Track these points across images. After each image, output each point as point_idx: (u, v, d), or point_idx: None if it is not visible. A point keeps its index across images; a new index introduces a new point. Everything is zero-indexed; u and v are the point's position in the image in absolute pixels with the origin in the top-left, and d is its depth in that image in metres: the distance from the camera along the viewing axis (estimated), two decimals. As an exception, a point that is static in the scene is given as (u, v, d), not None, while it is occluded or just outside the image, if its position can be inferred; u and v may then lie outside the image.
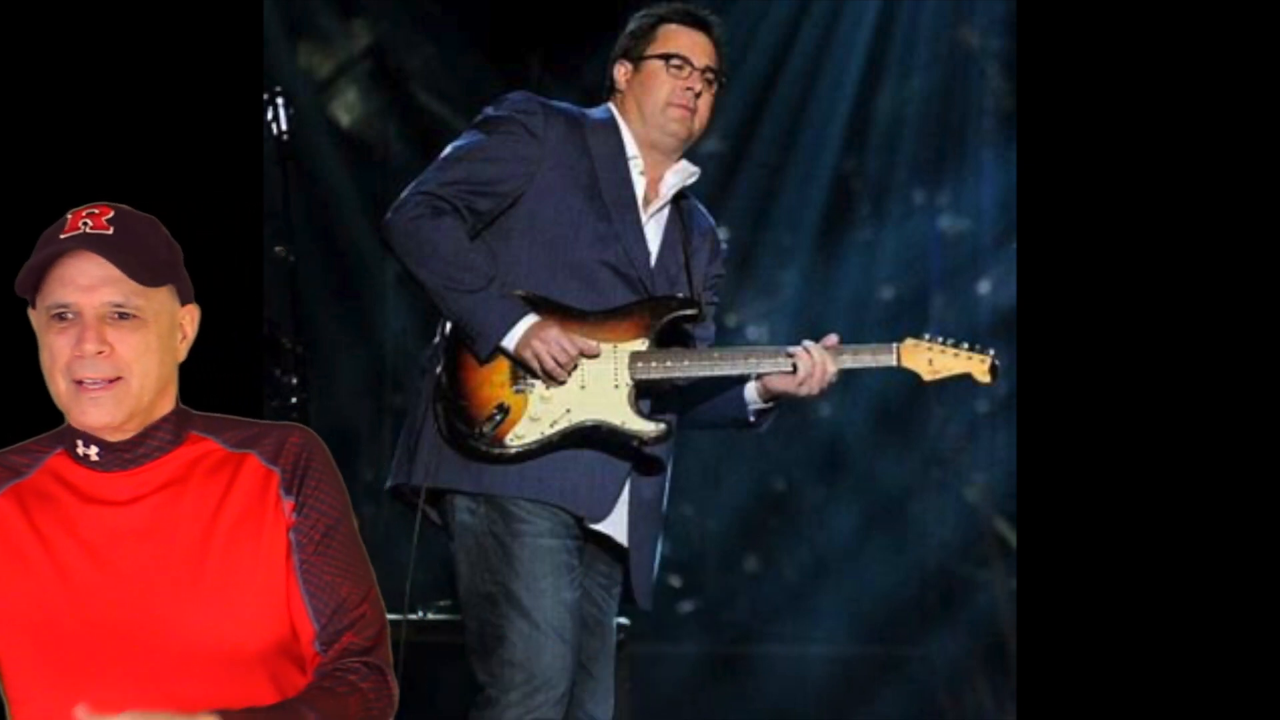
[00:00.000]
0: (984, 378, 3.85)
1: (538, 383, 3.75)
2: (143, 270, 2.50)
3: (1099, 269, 3.46)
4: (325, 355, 6.81)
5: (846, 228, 7.55)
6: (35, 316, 2.54)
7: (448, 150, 3.86)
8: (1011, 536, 7.10)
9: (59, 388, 2.49)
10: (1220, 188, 3.40)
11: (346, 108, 7.46)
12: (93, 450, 2.52)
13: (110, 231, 2.49)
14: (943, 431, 7.41)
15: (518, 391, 3.75)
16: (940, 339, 3.85)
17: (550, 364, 3.72)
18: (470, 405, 3.75)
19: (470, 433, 3.73)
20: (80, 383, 2.48)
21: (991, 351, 3.86)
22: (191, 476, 2.54)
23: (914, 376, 3.85)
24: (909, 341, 3.84)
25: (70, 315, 2.48)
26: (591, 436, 3.76)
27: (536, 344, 3.71)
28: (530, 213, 3.82)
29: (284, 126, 5.12)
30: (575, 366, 3.75)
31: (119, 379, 2.48)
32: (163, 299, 2.53)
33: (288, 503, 2.54)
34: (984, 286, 7.36)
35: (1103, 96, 3.48)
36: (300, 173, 5.63)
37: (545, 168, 3.82)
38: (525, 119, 3.84)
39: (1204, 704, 3.32)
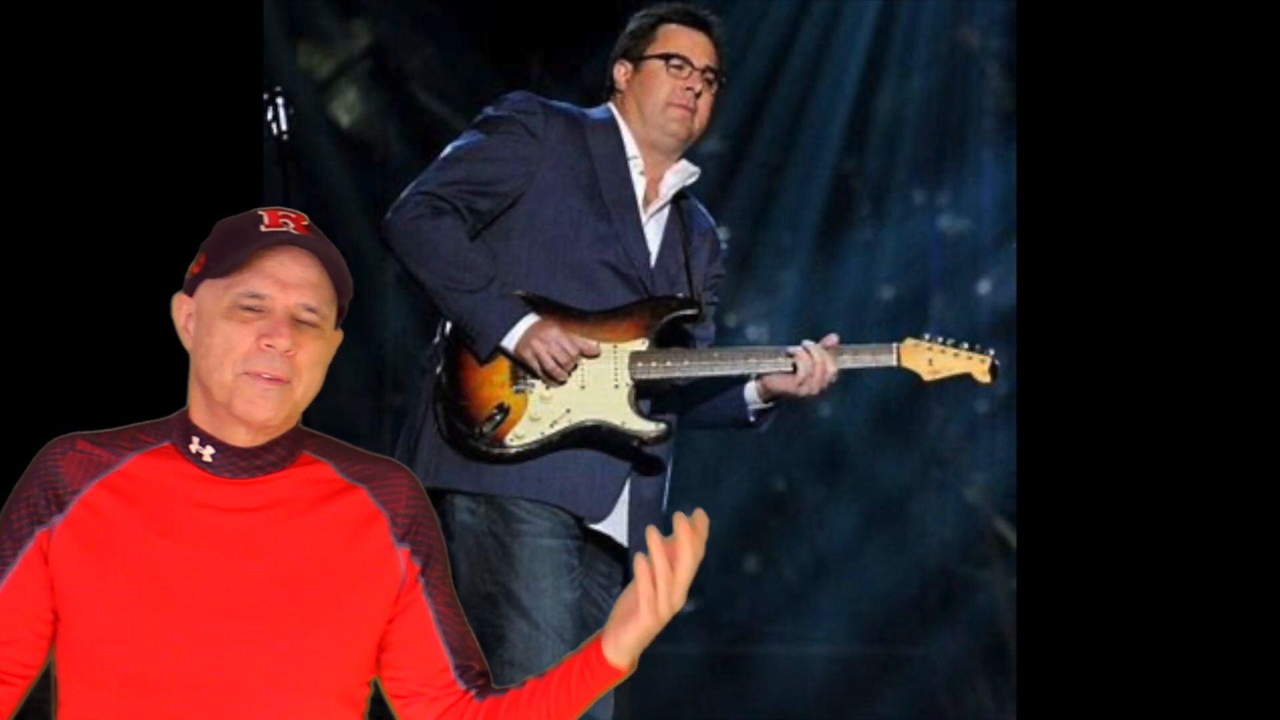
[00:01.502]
0: (984, 378, 3.85)
1: (538, 383, 3.75)
2: (337, 281, 2.50)
3: (1099, 269, 3.46)
4: (325, 355, 6.80)
5: (846, 228, 7.55)
6: (196, 302, 2.48)
7: (448, 150, 3.86)
8: (1011, 536, 7.10)
9: (224, 377, 2.43)
10: (1220, 187, 3.40)
11: (346, 108, 7.46)
12: (208, 451, 2.46)
13: (312, 236, 2.49)
14: (943, 431, 7.41)
15: (518, 391, 3.76)
16: (940, 339, 3.85)
17: (550, 364, 3.72)
18: (470, 405, 3.75)
19: (470, 433, 3.73)
20: (254, 374, 2.43)
21: (991, 351, 3.85)
22: (301, 499, 2.48)
23: (914, 376, 3.85)
24: (909, 341, 3.84)
25: (259, 308, 2.44)
26: (591, 436, 3.76)
27: (536, 344, 3.71)
28: (530, 213, 3.82)
29: (284, 126, 5.10)
30: (575, 366, 3.75)
31: (288, 381, 2.44)
32: (334, 316, 2.52)
33: (403, 550, 2.51)
34: (984, 286, 7.36)
35: (1103, 96, 3.49)
36: (300, 173, 5.61)
37: (545, 168, 3.82)
38: (525, 119, 3.84)
39: (1204, 704, 3.32)
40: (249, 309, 2.44)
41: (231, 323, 2.44)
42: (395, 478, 2.55)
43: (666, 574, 2.43)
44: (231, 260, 2.45)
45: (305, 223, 2.50)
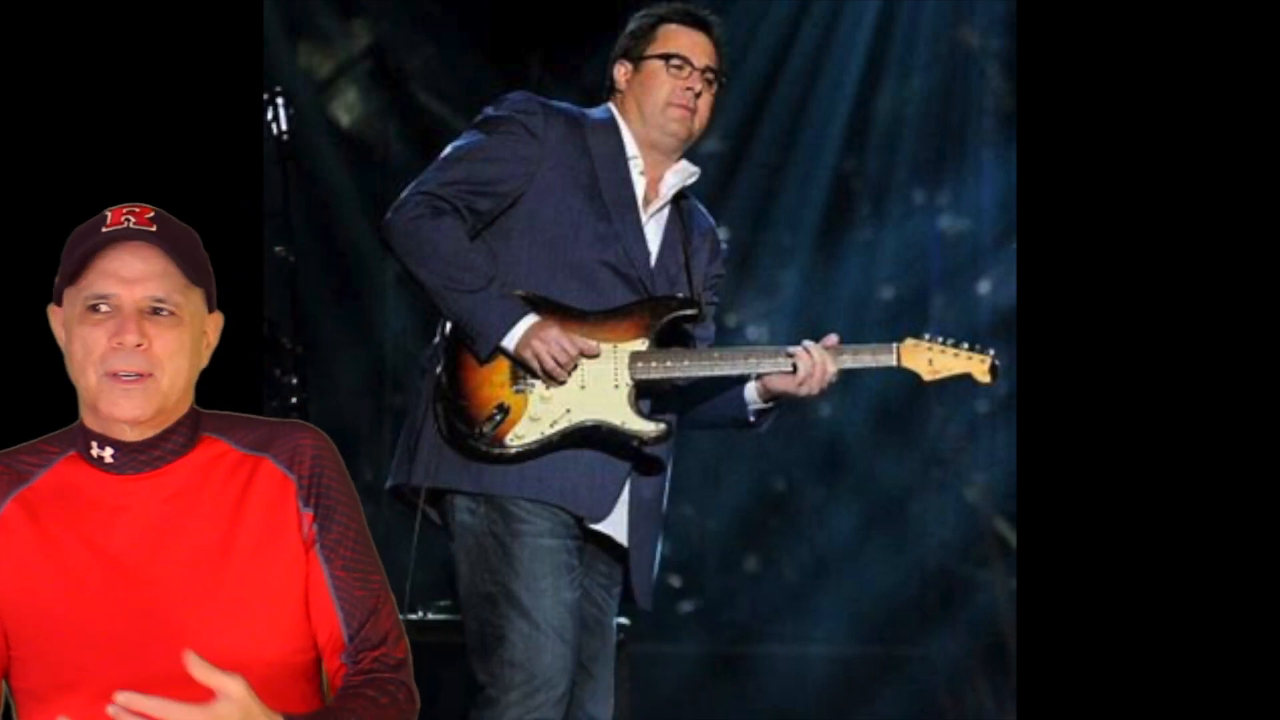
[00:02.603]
0: (984, 378, 3.85)
1: (538, 383, 3.75)
2: (185, 268, 2.50)
3: (1099, 269, 3.46)
4: (325, 355, 6.81)
5: (846, 228, 7.55)
6: (63, 310, 2.52)
7: (448, 150, 3.86)
8: (1011, 536, 7.10)
9: (89, 380, 2.47)
10: (1220, 187, 3.40)
11: (346, 108, 7.47)
12: (108, 452, 2.50)
13: (153, 228, 2.50)
14: (943, 431, 7.41)
15: (518, 391, 3.75)
16: (940, 339, 3.85)
17: (550, 364, 3.72)
18: (470, 405, 3.75)
19: (470, 433, 3.73)
20: (113, 375, 2.46)
21: (991, 351, 3.86)
22: (207, 482, 2.52)
23: (914, 376, 3.85)
24: (909, 341, 3.84)
25: (107, 308, 2.46)
26: (591, 436, 3.76)
27: (536, 344, 3.71)
28: (530, 213, 3.82)
29: (284, 126, 5.11)
30: (575, 366, 3.74)
31: (150, 375, 2.47)
32: (196, 301, 2.53)
33: (307, 514, 2.53)
34: (984, 286, 7.36)
35: (1103, 96, 3.48)
36: (300, 173, 5.62)
37: (545, 168, 3.82)
38: (525, 119, 3.84)
39: (1204, 704, 3.32)
40: (97, 310, 2.47)
41: (85, 326, 2.47)
42: (298, 439, 2.57)
43: None
44: (75, 264, 2.48)
45: (150, 215, 2.51)
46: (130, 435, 2.50)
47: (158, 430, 2.51)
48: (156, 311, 2.48)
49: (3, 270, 3.85)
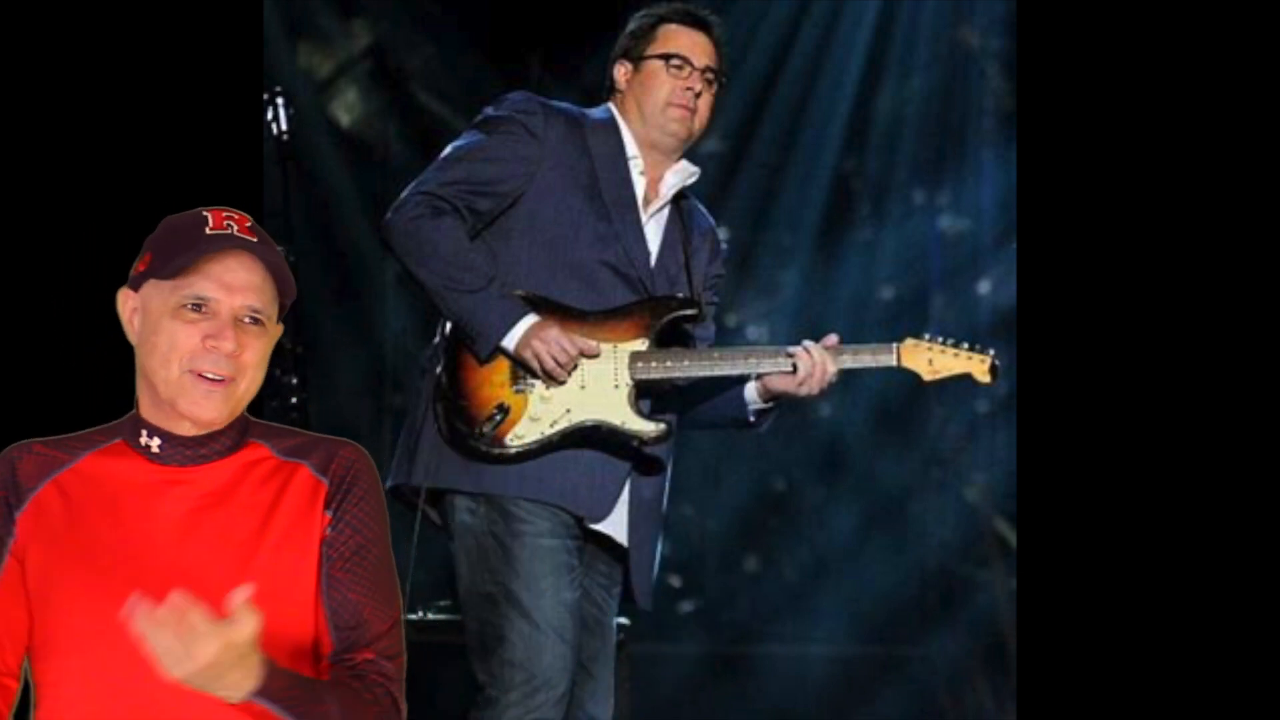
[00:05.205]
0: (984, 378, 3.85)
1: (538, 383, 3.75)
2: (279, 282, 2.56)
3: (1099, 269, 3.46)
4: (325, 355, 6.81)
5: (846, 228, 7.55)
6: (141, 297, 2.54)
7: (448, 150, 3.86)
8: (1011, 536, 7.10)
9: (170, 374, 2.49)
10: (1220, 187, 3.40)
11: (346, 108, 7.46)
12: (155, 442, 2.53)
13: (254, 239, 2.54)
14: (943, 431, 7.41)
15: (518, 391, 3.75)
16: (940, 339, 3.85)
17: (550, 364, 3.72)
18: (470, 405, 3.75)
19: (470, 433, 3.73)
20: (198, 374, 2.49)
21: (991, 351, 3.86)
22: (244, 482, 2.55)
23: (914, 376, 3.85)
24: (909, 341, 3.84)
25: (206, 310, 2.50)
26: (591, 436, 3.76)
27: (536, 344, 3.71)
28: (530, 213, 3.82)
29: (284, 126, 5.11)
30: (575, 366, 3.75)
31: (233, 380, 2.51)
32: (275, 314, 2.59)
33: (326, 516, 2.56)
34: (984, 286, 7.36)
35: (1103, 96, 3.48)
36: (300, 173, 5.61)
37: (545, 168, 3.82)
38: (525, 119, 3.84)
39: (1204, 704, 3.32)
40: (195, 309, 2.50)
41: (177, 323, 2.50)
42: (336, 449, 2.60)
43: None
44: (178, 263, 2.50)
45: (249, 224, 2.56)
46: (188, 430, 2.53)
47: (211, 429, 2.55)
48: (252, 320, 2.53)
49: (2, 269, 3.85)
